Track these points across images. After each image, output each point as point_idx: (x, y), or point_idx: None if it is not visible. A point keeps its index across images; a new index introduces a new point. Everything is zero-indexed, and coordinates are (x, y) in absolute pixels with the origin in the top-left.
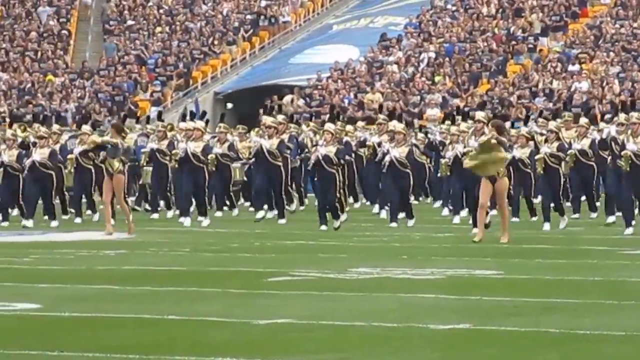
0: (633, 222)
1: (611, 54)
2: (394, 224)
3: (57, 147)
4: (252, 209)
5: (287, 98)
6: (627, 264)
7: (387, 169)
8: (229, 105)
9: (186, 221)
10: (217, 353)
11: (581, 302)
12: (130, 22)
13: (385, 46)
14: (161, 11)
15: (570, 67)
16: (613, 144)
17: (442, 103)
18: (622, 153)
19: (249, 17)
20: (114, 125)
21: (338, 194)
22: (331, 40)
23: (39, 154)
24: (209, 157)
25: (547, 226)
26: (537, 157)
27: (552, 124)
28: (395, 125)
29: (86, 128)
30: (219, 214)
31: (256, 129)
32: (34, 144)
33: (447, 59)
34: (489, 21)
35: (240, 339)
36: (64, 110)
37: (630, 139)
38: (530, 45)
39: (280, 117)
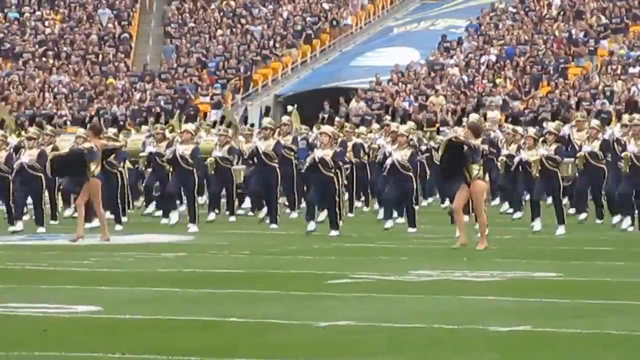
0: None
1: None
2: (389, 223)
3: (48, 148)
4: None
5: (353, 102)
6: None
7: (388, 172)
8: (290, 108)
9: (173, 217)
10: (278, 355)
11: None
12: (191, 25)
13: (445, 48)
14: (222, 14)
15: (631, 70)
16: (616, 145)
17: (502, 105)
18: (623, 154)
19: (309, 19)
20: (91, 127)
21: (337, 198)
22: (392, 43)
23: (27, 156)
24: (208, 160)
25: (537, 224)
26: (533, 159)
27: (551, 125)
28: (397, 127)
29: (112, 131)
30: (211, 216)
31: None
32: (23, 146)
33: (508, 61)
34: (550, 23)
35: (301, 341)
36: (122, 114)
37: (632, 141)
38: (591, 48)
39: (348, 126)
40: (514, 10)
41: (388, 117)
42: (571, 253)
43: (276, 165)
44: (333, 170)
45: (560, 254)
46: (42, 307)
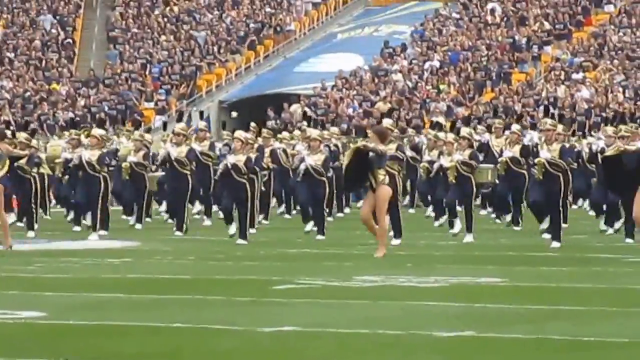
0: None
1: (615, 62)
2: (309, 226)
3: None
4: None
5: (294, 107)
6: (630, 272)
7: (302, 177)
8: (234, 114)
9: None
10: None
11: (585, 309)
12: (134, 31)
13: (389, 54)
14: (166, 19)
15: (574, 76)
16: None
17: (447, 111)
18: (536, 161)
19: (253, 25)
20: None
21: (248, 204)
22: (335, 49)
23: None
24: (123, 165)
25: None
26: (449, 164)
27: (514, 127)
28: (311, 132)
29: (23, 136)
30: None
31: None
32: None
33: (452, 67)
34: (493, 30)
35: (245, 346)
36: (68, 119)
37: (544, 147)
38: (535, 54)
39: (265, 131)
40: (458, 16)
41: (304, 123)
42: (515, 258)
43: (188, 172)
44: (245, 176)
45: (505, 260)
46: None
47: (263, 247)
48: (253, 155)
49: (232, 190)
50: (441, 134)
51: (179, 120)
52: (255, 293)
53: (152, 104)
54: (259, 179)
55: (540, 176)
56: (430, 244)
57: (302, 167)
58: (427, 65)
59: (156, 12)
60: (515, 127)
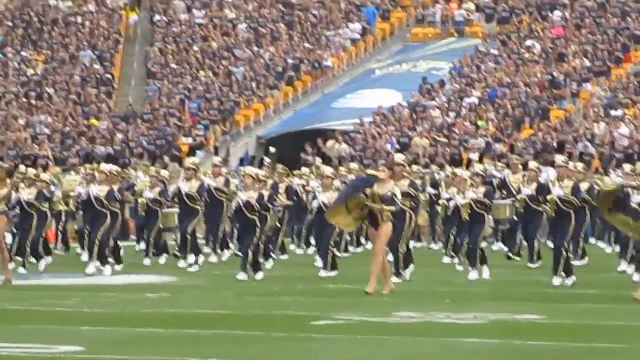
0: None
1: None
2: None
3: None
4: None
5: (330, 143)
6: None
7: (316, 215)
8: (272, 150)
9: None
10: None
11: (621, 347)
12: (173, 66)
13: (427, 91)
14: (204, 55)
15: (613, 112)
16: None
17: (485, 148)
18: (548, 198)
19: (291, 61)
20: (3, 168)
21: (256, 240)
22: (374, 85)
23: (26, 194)
24: (140, 201)
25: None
26: (464, 202)
27: (532, 164)
28: (324, 169)
29: (32, 172)
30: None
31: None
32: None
33: (489, 103)
34: (532, 66)
35: None
36: (107, 154)
37: (556, 184)
38: (574, 91)
39: (280, 167)
40: (497, 53)
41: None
42: (553, 296)
43: (199, 207)
44: (257, 214)
45: (544, 296)
46: (25, 347)
47: (301, 283)
48: (266, 193)
49: (242, 227)
50: (458, 171)
51: (216, 154)
52: (294, 329)
53: (190, 139)
54: (271, 216)
55: (552, 213)
56: (469, 281)
57: (315, 204)
58: (465, 101)
59: (195, 47)
60: (533, 164)
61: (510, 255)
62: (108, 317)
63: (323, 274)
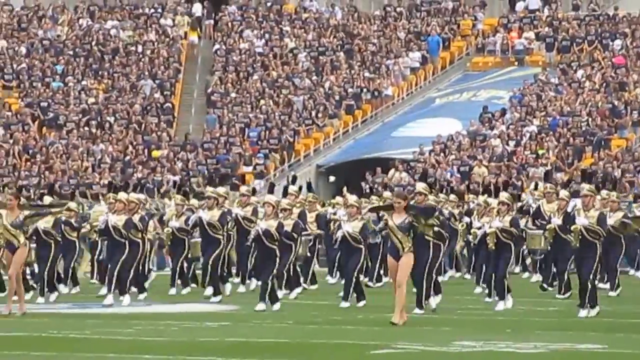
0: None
1: None
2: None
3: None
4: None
5: (391, 172)
6: None
7: (340, 244)
8: (332, 179)
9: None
10: None
11: None
12: (233, 95)
13: (487, 119)
14: (264, 84)
15: None
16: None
17: (545, 176)
18: (572, 228)
19: (351, 90)
20: (12, 193)
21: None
22: (433, 114)
23: (43, 222)
24: (165, 231)
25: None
26: (489, 231)
27: (563, 193)
28: (349, 198)
29: (47, 200)
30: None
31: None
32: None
33: (550, 132)
34: (592, 95)
35: None
36: (166, 183)
37: (581, 213)
38: (635, 119)
39: (310, 196)
40: (557, 82)
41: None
42: (615, 325)
43: (220, 236)
44: (277, 243)
45: (604, 326)
46: None
47: (361, 312)
48: (290, 222)
49: (262, 256)
50: (491, 200)
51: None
52: (354, 358)
53: (250, 168)
54: (297, 244)
55: (577, 243)
56: (529, 310)
57: (339, 234)
58: (525, 130)
59: (255, 76)
60: (564, 193)
61: (544, 285)
62: (169, 346)
63: (344, 304)
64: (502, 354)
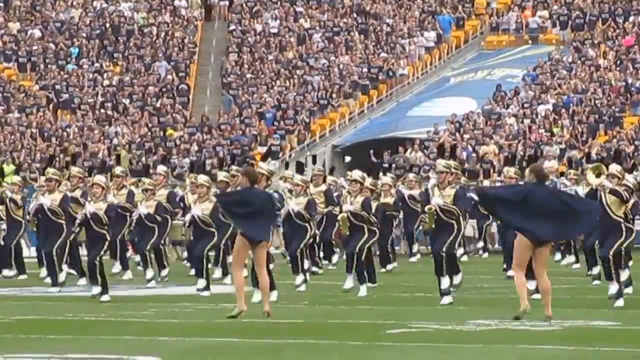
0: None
1: None
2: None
3: (77, 192)
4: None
5: (409, 152)
6: None
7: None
8: (347, 159)
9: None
10: None
11: None
12: (249, 76)
13: (501, 98)
14: (279, 65)
15: None
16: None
17: (560, 155)
18: (426, 208)
19: (366, 70)
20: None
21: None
22: (448, 93)
23: (48, 199)
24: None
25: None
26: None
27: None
28: (353, 173)
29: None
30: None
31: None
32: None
33: (564, 110)
34: (606, 72)
35: None
36: (181, 165)
37: (436, 192)
38: None
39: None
40: (570, 60)
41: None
42: (628, 301)
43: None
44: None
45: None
46: (102, 358)
47: (376, 291)
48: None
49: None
50: (498, 179)
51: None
52: (369, 337)
53: (266, 149)
54: (312, 225)
55: (432, 225)
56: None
57: (283, 211)
58: (540, 108)
59: (270, 57)
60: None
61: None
62: (184, 327)
63: (347, 285)
64: (516, 332)
